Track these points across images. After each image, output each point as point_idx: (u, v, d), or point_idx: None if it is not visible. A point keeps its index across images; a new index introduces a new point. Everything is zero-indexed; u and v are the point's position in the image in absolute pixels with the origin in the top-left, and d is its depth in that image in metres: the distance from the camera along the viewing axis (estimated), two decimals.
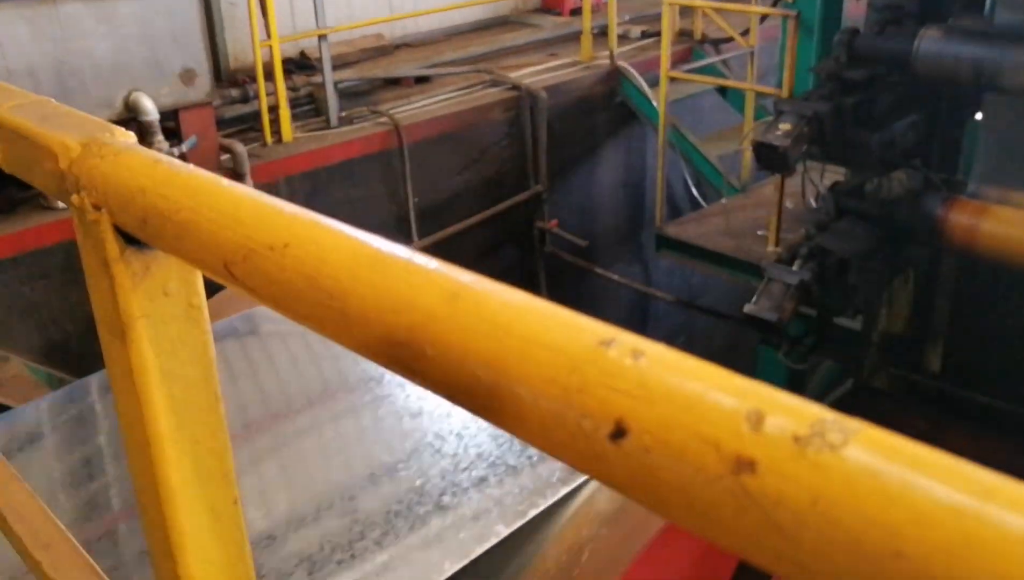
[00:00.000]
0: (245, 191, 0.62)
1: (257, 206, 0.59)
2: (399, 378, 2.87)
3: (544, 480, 2.32)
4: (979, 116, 5.40)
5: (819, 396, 7.07)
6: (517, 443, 2.43)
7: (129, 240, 0.73)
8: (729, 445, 0.35)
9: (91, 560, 1.37)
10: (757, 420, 0.35)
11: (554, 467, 2.33)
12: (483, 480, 2.34)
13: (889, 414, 6.01)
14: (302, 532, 2.27)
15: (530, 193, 7.96)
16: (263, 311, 3.33)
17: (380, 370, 2.89)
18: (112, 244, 0.72)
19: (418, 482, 2.37)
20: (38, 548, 1.41)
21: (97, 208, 0.71)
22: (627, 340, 0.40)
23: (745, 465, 0.34)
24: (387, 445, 2.56)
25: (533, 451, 2.39)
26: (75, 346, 5.69)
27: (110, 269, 0.73)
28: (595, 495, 2.30)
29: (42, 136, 0.78)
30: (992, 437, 5.53)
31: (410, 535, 2.20)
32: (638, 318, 9.14)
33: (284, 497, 2.44)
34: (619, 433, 0.38)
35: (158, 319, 0.75)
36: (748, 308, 5.77)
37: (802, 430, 0.34)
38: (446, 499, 2.29)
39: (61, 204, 5.73)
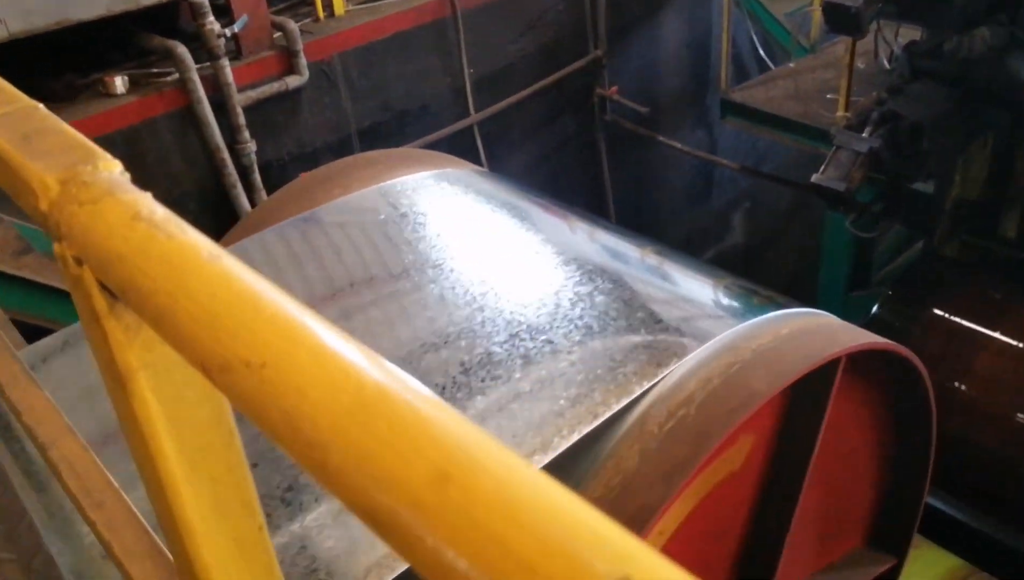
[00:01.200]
0: (226, 273, 0.55)
1: (235, 302, 0.52)
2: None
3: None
4: None
5: (888, 261, 6.88)
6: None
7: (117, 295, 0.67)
8: None
9: (143, 519, 1.38)
10: None
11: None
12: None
13: (960, 283, 5.83)
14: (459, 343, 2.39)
15: (589, 59, 7.67)
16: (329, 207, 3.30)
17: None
18: (99, 300, 0.66)
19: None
20: (92, 507, 1.43)
21: (79, 262, 0.66)
22: (645, 575, 0.34)
23: None
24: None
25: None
26: None
27: (101, 324, 0.68)
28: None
29: (21, 168, 0.71)
30: None
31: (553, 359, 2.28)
32: (702, 184, 8.92)
33: (408, 330, 2.51)
34: None
35: (159, 368, 0.70)
36: (815, 178, 5.55)
37: None
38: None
39: (121, 91, 5.70)
